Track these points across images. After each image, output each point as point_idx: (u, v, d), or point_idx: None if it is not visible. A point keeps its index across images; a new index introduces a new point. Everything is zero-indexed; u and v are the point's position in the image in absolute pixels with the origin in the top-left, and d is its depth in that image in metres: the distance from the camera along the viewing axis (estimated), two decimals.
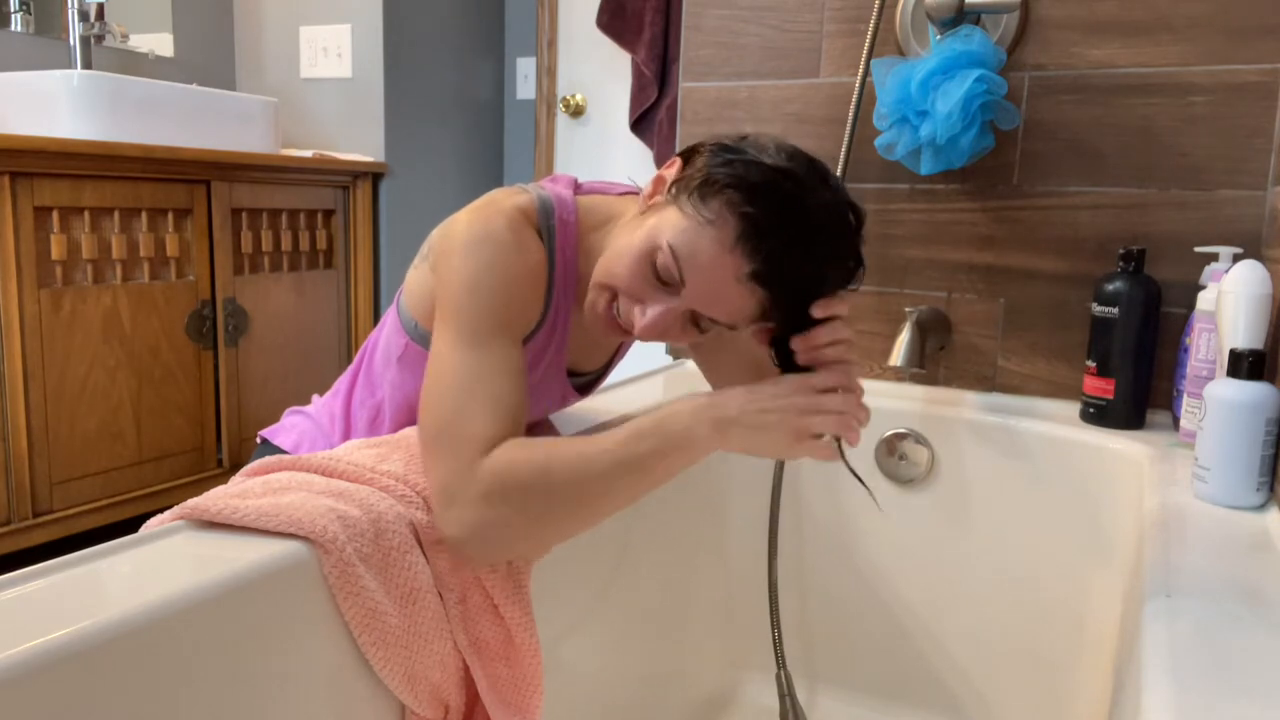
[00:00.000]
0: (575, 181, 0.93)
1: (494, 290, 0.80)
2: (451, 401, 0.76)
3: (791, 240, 0.73)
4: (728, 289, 0.75)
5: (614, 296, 0.83)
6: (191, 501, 0.73)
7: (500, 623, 0.83)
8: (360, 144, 2.65)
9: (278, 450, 0.99)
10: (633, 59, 2.69)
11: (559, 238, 0.87)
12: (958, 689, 1.35)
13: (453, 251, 0.82)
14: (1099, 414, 1.25)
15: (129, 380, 1.94)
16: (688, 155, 0.82)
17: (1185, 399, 1.15)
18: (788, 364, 0.82)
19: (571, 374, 1.01)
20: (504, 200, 0.85)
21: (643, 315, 0.79)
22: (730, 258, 0.74)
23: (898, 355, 1.29)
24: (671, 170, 0.82)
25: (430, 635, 0.77)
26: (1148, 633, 0.65)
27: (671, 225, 0.77)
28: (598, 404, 1.23)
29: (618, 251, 0.81)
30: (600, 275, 0.83)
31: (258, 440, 1.06)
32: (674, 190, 0.80)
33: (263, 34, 2.72)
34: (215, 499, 0.73)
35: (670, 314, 0.79)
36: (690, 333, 0.82)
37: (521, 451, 0.74)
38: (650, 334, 0.80)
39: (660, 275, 0.78)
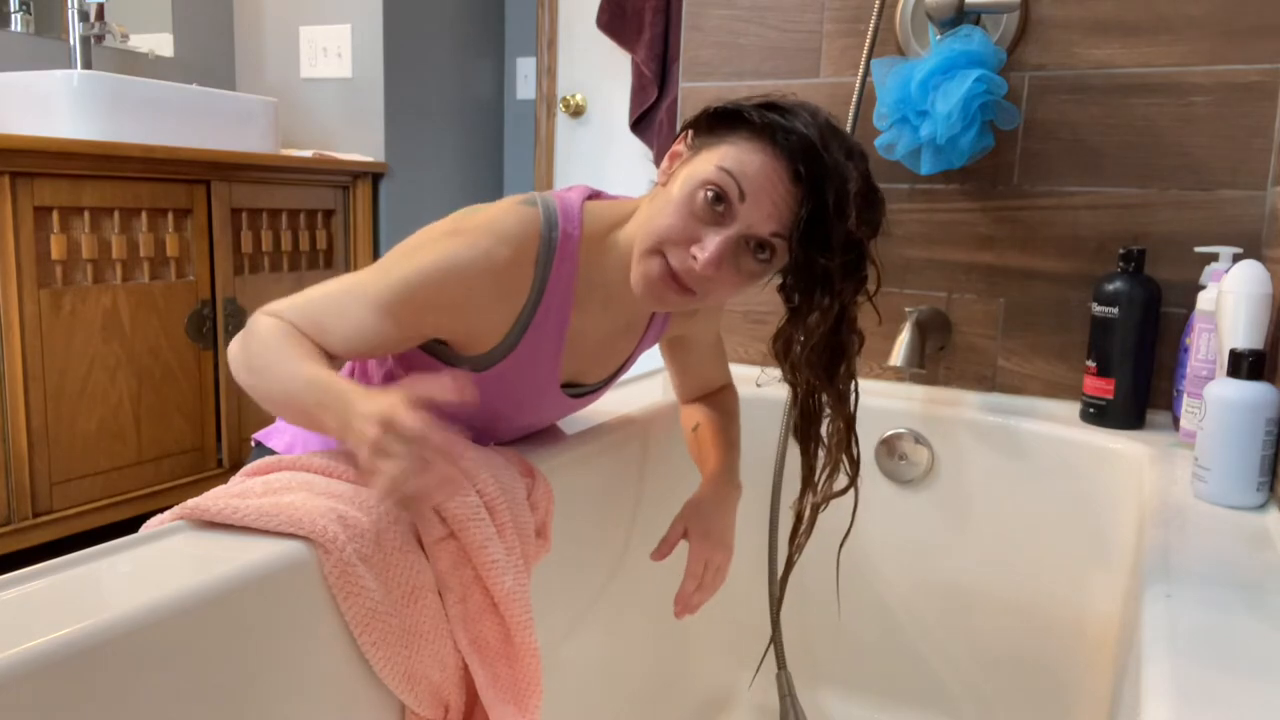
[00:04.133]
0: (590, 192, 0.93)
1: (426, 287, 0.82)
2: (329, 290, 0.85)
3: (819, 136, 0.81)
4: (780, 192, 0.80)
5: (664, 260, 0.83)
6: (192, 501, 0.73)
7: (500, 622, 0.83)
8: (360, 144, 2.65)
9: (271, 452, 0.99)
10: (633, 59, 2.69)
11: (560, 250, 0.86)
12: (957, 689, 1.35)
13: (433, 235, 0.85)
14: (1099, 414, 1.25)
15: (129, 380, 1.94)
16: (694, 124, 0.87)
17: (1185, 399, 1.15)
18: (801, 298, 0.86)
19: (571, 385, 0.99)
20: (506, 217, 0.85)
21: (703, 250, 0.81)
22: (778, 162, 0.80)
23: (898, 355, 1.29)
24: (682, 143, 0.87)
25: (430, 635, 0.77)
26: (1147, 632, 0.65)
27: (712, 158, 0.82)
28: (599, 405, 1.23)
29: (656, 212, 0.84)
30: (645, 241, 0.84)
31: (252, 443, 1.05)
32: (697, 143, 0.85)
33: (263, 34, 2.72)
34: (215, 499, 0.73)
35: (727, 242, 0.81)
36: (744, 265, 0.83)
37: (275, 335, 0.82)
38: (712, 266, 0.81)
39: (712, 205, 0.81)
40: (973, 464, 1.32)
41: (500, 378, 0.90)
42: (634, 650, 1.25)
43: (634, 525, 1.20)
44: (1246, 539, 0.84)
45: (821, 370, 0.90)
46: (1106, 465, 1.19)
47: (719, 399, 1.18)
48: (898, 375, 1.46)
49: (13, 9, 2.18)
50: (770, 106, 0.82)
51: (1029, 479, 1.27)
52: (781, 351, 0.91)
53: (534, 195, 0.89)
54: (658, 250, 0.82)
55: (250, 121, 2.29)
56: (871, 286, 0.88)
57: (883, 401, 1.38)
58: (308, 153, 2.50)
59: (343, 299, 0.84)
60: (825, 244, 0.81)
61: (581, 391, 1.01)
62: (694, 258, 0.81)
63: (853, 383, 0.93)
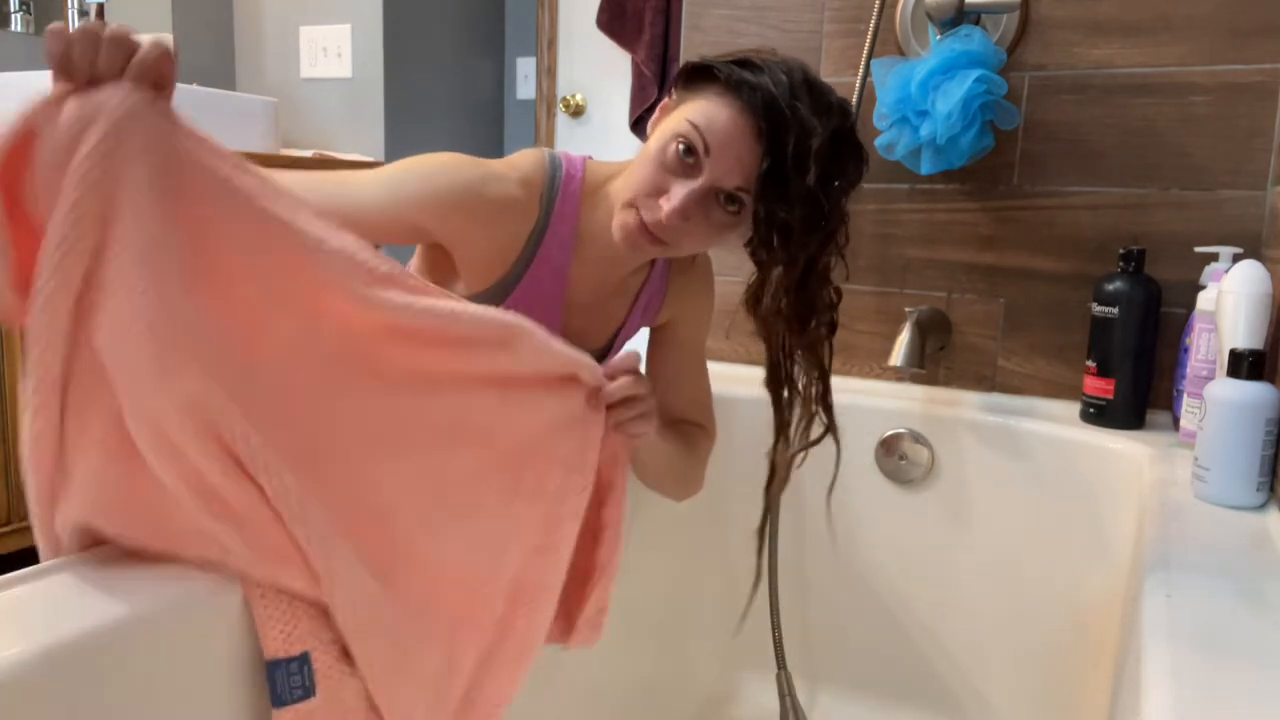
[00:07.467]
0: (588, 156, 0.98)
1: (441, 189, 0.85)
2: (319, 176, 0.84)
3: (788, 92, 0.82)
4: (744, 146, 0.82)
5: (638, 212, 0.86)
6: None
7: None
8: (360, 144, 2.64)
9: None
10: (633, 59, 2.69)
11: (562, 191, 0.92)
12: (958, 689, 1.35)
13: (443, 154, 0.89)
14: (1099, 414, 1.25)
15: None
16: (677, 79, 0.90)
17: (1185, 399, 1.15)
18: (763, 252, 0.87)
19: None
20: (515, 155, 0.92)
21: (669, 201, 0.84)
22: (744, 117, 0.82)
23: (898, 355, 1.29)
24: (669, 98, 0.91)
25: None
26: (1147, 632, 0.65)
27: (687, 111, 0.85)
28: None
29: (636, 165, 0.87)
30: (623, 193, 0.88)
31: None
32: (677, 98, 0.89)
33: (263, 34, 2.71)
34: None
35: (693, 194, 0.84)
36: (714, 217, 0.86)
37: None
38: (677, 216, 0.84)
39: (682, 157, 0.83)
40: (973, 464, 1.32)
41: None
42: (634, 650, 1.25)
43: (632, 525, 1.20)
44: (1246, 539, 0.84)
45: (790, 323, 0.91)
46: (1106, 465, 1.19)
47: (685, 429, 1.07)
48: (897, 375, 1.46)
49: (13, 9, 2.18)
50: (742, 63, 0.84)
51: (1029, 479, 1.27)
52: (750, 305, 0.92)
53: (539, 148, 0.96)
54: (633, 203, 0.86)
55: (250, 121, 2.29)
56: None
57: (883, 401, 1.38)
58: (308, 153, 2.50)
59: (343, 178, 0.86)
60: (784, 197, 0.82)
61: None
62: (661, 209, 0.84)
63: (829, 336, 0.94)
